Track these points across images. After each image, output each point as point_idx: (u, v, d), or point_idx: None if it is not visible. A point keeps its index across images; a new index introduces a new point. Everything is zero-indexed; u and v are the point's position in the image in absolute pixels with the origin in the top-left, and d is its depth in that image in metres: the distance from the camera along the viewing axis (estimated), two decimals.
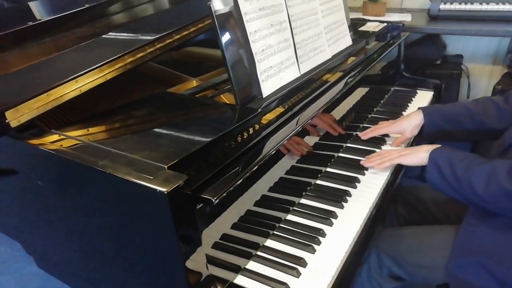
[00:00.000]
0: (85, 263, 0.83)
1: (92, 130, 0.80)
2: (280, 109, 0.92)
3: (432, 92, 1.67)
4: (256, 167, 0.75)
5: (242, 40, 0.91)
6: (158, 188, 0.57)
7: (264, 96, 0.95)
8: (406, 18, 2.12)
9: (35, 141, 0.73)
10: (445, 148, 0.97)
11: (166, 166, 0.62)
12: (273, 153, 0.81)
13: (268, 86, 0.98)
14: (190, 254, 0.64)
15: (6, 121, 0.73)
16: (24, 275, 1.86)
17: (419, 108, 1.21)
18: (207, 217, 0.70)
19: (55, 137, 0.75)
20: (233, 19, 0.89)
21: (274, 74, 1.00)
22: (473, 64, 2.37)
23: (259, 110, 0.88)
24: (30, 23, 1.05)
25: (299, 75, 1.10)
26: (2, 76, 0.87)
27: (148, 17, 1.23)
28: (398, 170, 1.16)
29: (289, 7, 1.08)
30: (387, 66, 1.91)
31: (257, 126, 0.83)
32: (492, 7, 1.97)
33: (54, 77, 0.84)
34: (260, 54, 0.96)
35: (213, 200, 0.62)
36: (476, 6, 2.01)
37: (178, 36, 1.05)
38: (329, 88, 1.09)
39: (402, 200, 1.28)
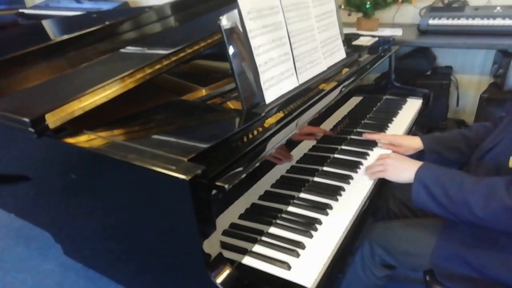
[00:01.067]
0: (112, 248, 0.95)
1: (117, 131, 0.92)
2: (280, 114, 1.05)
3: (421, 100, 1.80)
4: (260, 162, 0.86)
5: (248, 53, 1.04)
6: (181, 176, 0.69)
7: (267, 102, 1.08)
8: (397, 32, 2.26)
9: (70, 140, 0.85)
10: (430, 166, 0.99)
11: (186, 159, 0.74)
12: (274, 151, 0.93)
13: (270, 94, 1.11)
14: (207, 236, 0.76)
15: (46, 123, 0.85)
16: (40, 272, 1.97)
17: (419, 136, 1.31)
18: (220, 204, 0.82)
19: (86, 136, 0.87)
20: (240, 35, 1.02)
21: (275, 84, 1.13)
22: (462, 75, 2.51)
23: (263, 114, 1.00)
24: (58, 39, 1.19)
25: (297, 84, 1.23)
26: (38, 85, 1.00)
27: (163, 33, 1.37)
28: None
29: (288, 24, 1.21)
30: (380, 77, 2.05)
31: (260, 128, 0.96)
32: (477, 22, 2.11)
33: (84, 86, 0.96)
34: (263, 66, 1.09)
35: (226, 187, 0.74)
36: (462, 21, 2.15)
37: (190, 50, 1.18)
38: (324, 96, 1.21)
39: (394, 198, 1.40)
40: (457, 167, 1.28)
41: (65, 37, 1.19)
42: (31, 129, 0.82)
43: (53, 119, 0.86)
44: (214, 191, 0.75)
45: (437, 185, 0.92)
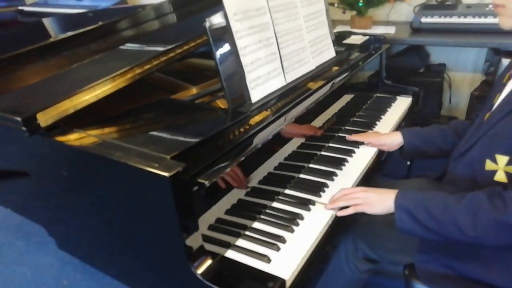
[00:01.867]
0: (100, 242, 0.99)
1: (107, 130, 0.96)
2: (266, 113, 1.08)
3: (411, 98, 1.83)
4: (241, 160, 0.90)
5: (234, 54, 1.07)
6: (162, 173, 0.73)
7: (253, 101, 1.11)
8: (390, 30, 2.28)
9: (61, 138, 0.89)
10: (407, 191, 0.97)
11: (169, 157, 0.78)
12: (258, 147, 0.97)
13: (257, 93, 1.14)
14: (189, 233, 0.80)
15: (37, 121, 0.89)
16: (40, 266, 2.02)
17: (399, 131, 1.34)
18: (204, 200, 0.86)
19: (77, 135, 0.91)
20: (225, 36, 1.06)
21: (262, 83, 1.17)
22: (455, 73, 2.53)
23: (248, 113, 1.04)
24: (52, 39, 1.22)
25: (285, 83, 1.26)
26: (31, 84, 1.04)
27: (153, 33, 1.40)
28: (373, 169, 1.32)
29: (276, 25, 1.25)
30: (373, 75, 2.08)
31: (244, 127, 0.99)
32: (469, 20, 2.13)
33: (75, 86, 1.00)
34: (249, 66, 1.12)
35: (206, 184, 0.78)
36: (454, 19, 2.17)
37: (180, 50, 1.22)
38: (310, 94, 1.25)
39: None
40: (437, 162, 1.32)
41: (60, 37, 1.23)
42: (23, 128, 0.86)
43: (44, 118, 0.90)
44: (195, 188, 0.79)
45: (420, 208, 0.90)
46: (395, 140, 1.33)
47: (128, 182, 0.82)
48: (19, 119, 0.85)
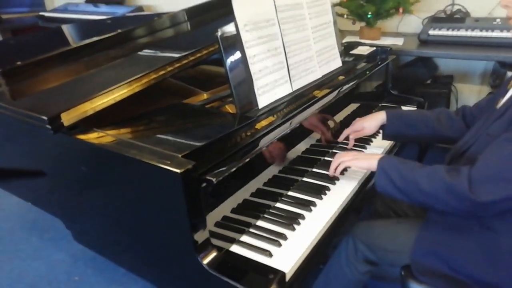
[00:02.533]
0: (114, 234, 1.06)
1: (123, 130, 1.04)
2: (272, 118, 1.15)
3: (415, 108, 1.88)
4: (246, 160, 0.97)
5: (243, 62, 1.15)
6: (174, 169, 0.80)
7: (260, 107, 1.18)
8: (398, 42, 2.34)
9: (81, 137, 0.97)
10: (391, 157, 1.13)
11: (180, 155, 0.85)
12: (262, 150, 1.03)
13: (264, 99, 1.21)
14: (197, 228, 0.86)
15: (61, 121, 0.97)
16: (53, 261, 2.10)
17: (385, 110, 1.41)
18: (211, 197, 0.92)
19: (96, 134, 0.99)
20: (236, 46, 1.13)
21: (269, 90, 1.24)
22: (463, 84, 2.57)
23: (254, 118, 1.11)
24: (73, 45, 1.31)
25: (291, 91, 1.33)
26: (55, 87, 1.12)
27: (168, 41, 1.49)
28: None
29: (284, 35, 1.32)
30: (380, 85, 2.13)
31: (251, 131, 1.06)
32: (477, 33, 2.17)
33: (95, 89, 1.08)
34: (257, 73, 1.19)
35: (214, 181, 0.85)
36: (462, 33, 2.21)
37: (192, 58, 1.29)
38: (315, 102, 1.31)
39: (380, 200, 1.49)
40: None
41: (81, 43, 1.31)
42: (48, 126, 0.94)
43: (67, 118, 0.98)
44: (204, 184, 0.86)
45: (394, 169, 1.04)
46: (376, 121, 1.39)
47: (142, 178, 0.89)
48: (45, 118, 0.93)
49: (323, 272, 1.39)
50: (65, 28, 1.83)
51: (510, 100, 0.99)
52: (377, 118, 1.40)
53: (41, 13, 3.79)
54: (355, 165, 1.19)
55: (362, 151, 1.41)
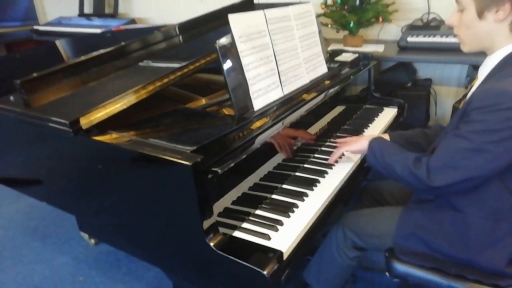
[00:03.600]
0: (129, 224, 1.18)
1: (134, 132, 1.16)
2: (266, 119, 1.28)
3: (396, 109, 2.04)
4: (246, 155, 1.10)
5: (239, 70, 1.28)
6: (185, 162, 0.93)
7: (255, 109, 1.32)
8: (379, 48, 2.50)
9: (98, 138, 1.09)
10: (379, 139, 1.32)
11: (189, 150, 0.98)
12: (258, 147, 1.17)
13: (258, 102, 1.35)
14: (205, 214, 0.98)
15: (79, 124, 1.09)
16: (56, 265, 2.18)
17: (387, 133, 1.53)
18: (216, 188, 1.05)
19: (111, 135, 1.11)
20: (232, 55, 1.26)
21: (263, 94, 1.37)
22: (441, 87, 2.75)
23: (251, 119, 1.24)
24: (83, 57, 1.43)
25: (282, 95, 1.47)
26: (70, 95, 1.24)
27: (170, 51, 1.62)
28: (357, 171, 1.51)
29: (274, 45, 1.46)
30: (365, 89, 2.29)
31: (248, 130, 1.19)
32: (450, 39, 2.33)
33: (107, 96, 1.20)
34: (252, 79, 1.33)
35: (219, 172, 0.98)
36: (437, 39, 2.38)
37: (192, 67, 1.42)
38: (304, 104, 1.45)
39: (366, 192, 1.64)
40: None
41: (89, 55, 1.44)
42: (69, 129, 1.06)
43: (85, 122, 1.10)
44: (210, 175, 0.98)
45: (379, 151, 1.25)
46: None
47: (156, 172, 1.02)
48: (67, 122, 1.05)
49: (316, 258, 1.53)
50: (69, 41, 1.95)
51: (468, 101, 1.13)
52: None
53: (35, 27, 3.88)
54: (349, 149, 1.42)
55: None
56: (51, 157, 1.26)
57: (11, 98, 1.28)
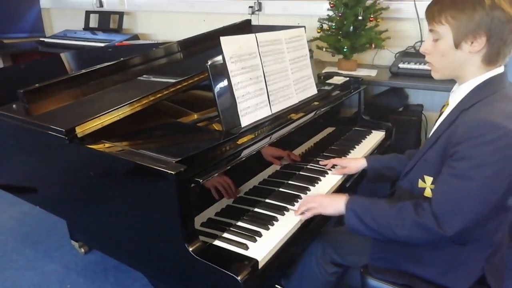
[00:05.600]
0: (115, 229, 1.23)
1: (126, 142, 1.23)
2: (252, 135, 1.35)
3: (384, 133, 2.11)
4: (229, 167, 1.16)
5: (228, 88, 1.36)
6: (169, 171, 0.99)
7: (242, 126, 1.39)
8: (372, 73, 2.59)
9: (92, 146, 1.16)
10: (357, 197, 1.21)
11: (174, 161, 1.04)
12: (242, 160, 1.23)
13: (246, 119, 1.42)
14: (187, 222, 1.04)
15: (75, 133, 1.16)
16: (45, 272, 2.22)
17: (363, 157, 1.60)
18: (200, 198, 1.11)
19: (104, 144, 1.18)
20: (223, 74, 1.34)
21: (250, 112, 1.44)
22: (431, 113, 2.82)
23: (237, 135, 1.31)
24: (83, 71, 1.52)
25: (270, 113, 1.54)
26: (68, 105, 1.32)
27: (165, 68, 1.70)
28: (339, 190, 1.55)
29: (264, 66, 1.54)
30: (357, 112, 2.36)
31: (233, 145, 1.26)
32: None
33: (102, 108, 1.28)
34: (240, 98, 1.40)
35: (200, 181, 1.04)
36: (427, 67, 2.45)
37: (185, 83, 1.50)
38: (291, 123, 1.52)
39: None
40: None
41: (88, 69, 1.52)
42: (65, 137, 1.13)
43: (80, 130, 1.17)
44: (192, 185, 1.05)
45: (365, 212, 1.14)
46: (358, 164, 1.57)
47: (143, 180, 1.08)
48: (63, 129, 1.12)
49: (297, 273, 1.57)
50: (75, 54, 2.05)
51: (441, 126, 1.16)
52: (362, 163, 1.57)
53: (41, 39, 4.00)
54: (323, 213, 1.26)
55: (326, 171, 1.60)
56: (46, 163, 1.32)
57: (14, 106, 1.36)
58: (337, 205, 1.22)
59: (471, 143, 1.01)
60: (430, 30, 1.15)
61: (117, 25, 3.85)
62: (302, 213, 1.28)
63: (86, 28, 4.03)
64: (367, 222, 1.13)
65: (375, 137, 2.06)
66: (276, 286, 1.75)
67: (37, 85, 1.35)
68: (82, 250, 2.34)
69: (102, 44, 3.47)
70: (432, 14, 1.11)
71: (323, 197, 1.32)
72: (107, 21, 3.90)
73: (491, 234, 1.13)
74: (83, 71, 1.48)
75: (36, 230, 2.63)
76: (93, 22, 4.02)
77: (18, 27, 4.24)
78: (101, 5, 4.06)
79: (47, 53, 3.81)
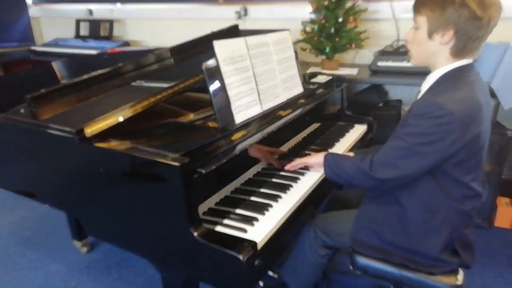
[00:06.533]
0: (125, 220, 1.34)
1: (131, 140, 1.34)
2: (245, 131, 1.48)
3: (366, 126, 2.25)
4: (226, 160, 1.29)
5: (223, 88, 1.48)
6: (174, 163, 1.11)
7: (236, 123, 1.51)
8: (353, 72, 2.75)
9: (100, 145, 1.27)
10: (333, 153, 1.52)
11: (178, 155, 1.17)
12: (238, 154, 1.36)
13: (239, 117, 1.54)
14: (192, 209, 1.17)
15: (84, 133, 1.27)
16: (49, 272, 2.30)
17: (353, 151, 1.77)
18: (202, 190, 1.23)
19: (111, 143, 1.29)
20: (217, 75, 1.47)
21: (243, 110, 1.57)
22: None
23: (232, 131, 1.44)
24: (85, 76, 1.63)
25: (261, 111, 1.67)
26: (75, 108, 1.43)
27: (162, 72, 1.82)
28: (325, 180, 1.69)
29: (254, 67, 1.67)
30: (340, 108, 2.51)
31: (229, 140, 1.39)
32: None
33: (107, 109, 1.39)
34: (234, 97, 1.53)
35: (203, 172, 1.17)
36: (404, 64, 2.63)
37: (182, 85, 1.62)
38: (280, 119, 1.65)
39: (335, 200, 1.83)
40: None
41: (91, 75, 1.63)
42: (75, 137, 1.24)
43: (89, 130, 1.28)
44: (195, 175, 1.17)
45: (333, 162, 1.45)
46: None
47: (149, 173, 1.20)
48: (73, 130, 1.24)
49: (291, 258, 1.70)
50: (73, 61, 2.14)
51: (408, 109, 1.31)
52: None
53: (32, 48, 4.06)
54: (309, 162, 1.58)
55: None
56: (57, 163, 1.43)
57: (22, 110, 1.46)
58: (318, 159, 1.52)
59: (419, 117, 1.20)
60: (414, 20, 1.30)
61: (107, 32, 3.94)
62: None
63: (77, 36, 4.10)
64: (333, 167, 1.43)
65: (358, 130, 2.20)
66: (269, 272, 1.88)
67: (43, 90, 1.45)
68: (84, 249, 2.43)
69: (94, 52, 3.56)
70: (416, 5, 1.28)
71: (310, 156, 1.64)
72: (98, 29, 3.99)
73: (457, 204, 1.28)
74: (85, 76, 1.59)
75: (36, 233, 2.70)
76: (84, 30, 4.10)
77: (7, 36, 4.30)
78: (91, 13, 4.14)
79: (39, 61, 3.88)
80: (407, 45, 1.36)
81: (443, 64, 1.27)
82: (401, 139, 1.24)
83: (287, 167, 1.61)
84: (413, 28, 1.30)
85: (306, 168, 1.68)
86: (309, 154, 1.78)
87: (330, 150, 1.92)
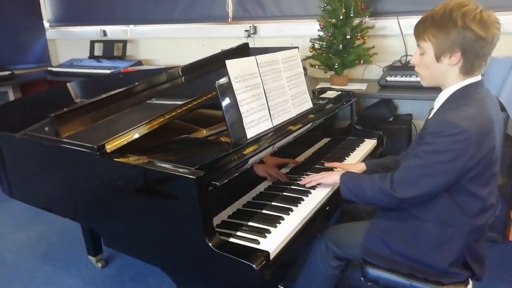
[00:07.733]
0: (143, 232, 1.39)
1: (149, 155, 1.40)
2: (256, 146, 1.53)
3: (376, 140, 2.29)
4: (238, 173, 1.34)
5: (234, 104, 1.54)
6: (191, 176, 1.16)
7: (248, 137, 1.57)
8: (362, 87, 2.80)
9: (120, 160, 1.33)
10: (349, 172, 1.54)
11: (193, 168, 1.22)
12: (250, 167, 1.41)
13: (251, 132, 1.60)
14: (207, 220, 1.21)
15: (105, 149, 1.34)
16: (66, 285, 2.36)
17: (365, 162, 1.81)
18: (215, 203, 1.27)
19: (130, 158, 1.35)
20: (229, 92, 1.53)
21: (254, 125, 1.63)
22: (420, 121, 3.02)
23: (244, 145, 1.49)
24: (103, 95, 1.70)
25: (272, 126, 1.72)
26: (95, 125, 1.50)
27: (176, 90, 1.90)
28: (336, 193, 1.72)
29: (264, 84, 1.73)
30: (350, 123, 2.55)
31: (241, 154, 1.44)
32: None
33: (126, 127, 1.46)
34: (245, 113, 1.59)
35: (217, 184, 1.21)
36: (413, 78, 2.68)
37: (195, 103, 1.69)
38: (290, 134, 1.70)
39: (346, 212, 1.86)
40: None
41: (108, 94, 1.71)
42: (96, 152, 1.30)
43: (109, 146, 1.35)
44: (210, 188, 1.22)
45: (350, 181, 1.46)
46: (358, 167, 1.77)
47: (167, 186, 1.25)
48: (95, 146, 1.30)
49: (304, 271, 1.73)
50: (91, 82, 2.24)
51: (423, 127, 1.37)
52: (360, 166, 1.79)
53: (49, 68, 4.21)
54: (325, 182, 1.60)
55: None
56: (79, 177, 1.50)
57: (46, 128, 1.54)
58: (334, 177, 1.56)
59: (433, 135, 1.24)
60: (418, 46, 1.35)
61: (121, 52, 4.07)
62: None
63: (91, 56, 4.24)
64: (350, 187, 1.45)
65: (368, 145, 2.24)
66: (279, 286, 1.90)
67: (65, 109, 1.53)
68: (99, 264, 2.48)
69: (107, 71, 3.68)
70: (418, 32, 1.33)
71: (328, 172, 1.65)
72: (111, 49, 4.12)
73: (470, 219, 1.31)
74: (103, 95, 1.66)
75: (53, 248, 2.77)
76: (98, 50, 4.24)
77: (25, 58, 4.47)
78: (105, 34, 4.29)
79: (55, 81, 4.01)
80: (415, 68, 1.40)
81: (454, 83, 1.32)
82: (419, 158, 1.28)
83: (302, 182, 1.66)
84: (418, 53, 1.35)
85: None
86: (321, 167, 1.83)
87: (344, 162, 1.96)
